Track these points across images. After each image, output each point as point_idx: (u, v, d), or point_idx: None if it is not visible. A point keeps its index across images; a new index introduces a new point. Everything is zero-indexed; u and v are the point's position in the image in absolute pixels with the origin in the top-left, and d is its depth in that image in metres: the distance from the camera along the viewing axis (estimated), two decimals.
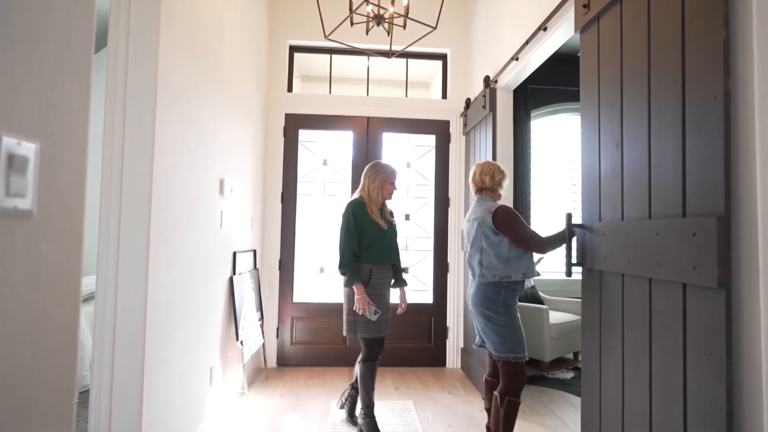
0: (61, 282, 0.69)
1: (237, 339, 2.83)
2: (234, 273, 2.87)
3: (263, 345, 3.64)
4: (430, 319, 3.88)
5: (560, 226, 2.05)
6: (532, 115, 4.77)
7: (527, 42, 2.54)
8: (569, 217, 1.90)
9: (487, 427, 2.22)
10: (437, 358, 3.85)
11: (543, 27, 2.33)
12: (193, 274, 2.21)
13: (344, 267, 2.38)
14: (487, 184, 2.22)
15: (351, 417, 2.61)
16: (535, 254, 2.12)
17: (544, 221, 4.75)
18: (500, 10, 3.14)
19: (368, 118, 3.91)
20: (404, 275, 2.81)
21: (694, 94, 1.23)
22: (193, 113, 2.16)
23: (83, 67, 0.73)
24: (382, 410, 2.76)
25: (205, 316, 2.38)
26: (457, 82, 4.00)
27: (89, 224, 1.59)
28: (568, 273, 1.85)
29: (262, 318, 3.45)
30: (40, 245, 0.64)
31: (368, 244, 2.40)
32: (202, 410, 2.36)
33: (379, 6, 2.39)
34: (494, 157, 3.02)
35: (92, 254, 3.00)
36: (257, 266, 3.55)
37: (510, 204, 3.20)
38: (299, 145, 3.88)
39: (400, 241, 3.05)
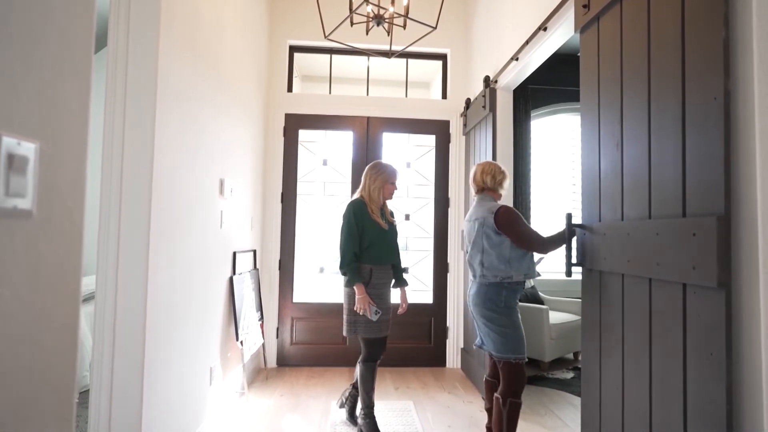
0: (61, 282, 0.69)
1: (237, 339, 2.83)
2: (234, 273, 2.87)
3: (263, 345, 3.64)
4: (430, 319, 3.88)
5: (560, 226, 2.05)
6: (532, 115, 4.76)
7: (527, 42, 2.54)
8: (569, 217, 1.90)
9: (488, 428, 2.22)
10: (437, 358, 3.85)
11: (543, 27, 2.33)
12: (193, 274, 2.21)
13: (345, 267, 2.38)
14: (488, 184, 2.22)
15: (351, 417, 2.61)
16: (535, 254, 2.12)
17: (544, 221, 4.74)
18: (500, 10, 3.14)
19: (368, 118, 3.91)
20: (404, 275, 2.81)
21: (694, 94, 1.23)
22: (193, 113, 2.16)
23: (83, 67, 0.73)
24: (382, 410, 2.76)
25: (205, 316, 2.38)
26: (457, 82, 4.00)
27: (89, 224, 1.59)
28: (568, 273, 1.85)
29: (262, 318, 3.45)
30: (40, 245, 0.64)
31: (369, 244, 2.41)
32: (202, 410, 2.36)
33: (379, 6, 2.39)
34: (494, 157, 3.02)
35: (92, 254, 3.00)
36: (257, 266, 3.55)
37: (510, 204, 3.20)
38: (299, 145, 3.88)
39: (401, 241, 3.05)
